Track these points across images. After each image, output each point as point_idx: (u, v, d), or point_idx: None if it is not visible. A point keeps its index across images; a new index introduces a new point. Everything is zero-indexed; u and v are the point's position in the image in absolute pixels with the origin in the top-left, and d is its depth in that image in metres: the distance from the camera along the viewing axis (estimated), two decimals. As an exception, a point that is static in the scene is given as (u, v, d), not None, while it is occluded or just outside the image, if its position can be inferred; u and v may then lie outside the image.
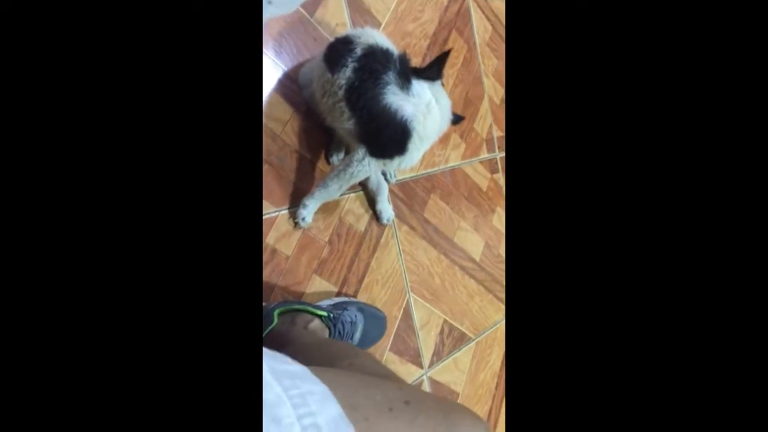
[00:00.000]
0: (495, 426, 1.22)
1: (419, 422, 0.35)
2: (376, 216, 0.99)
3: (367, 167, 0.79)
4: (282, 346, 0.70)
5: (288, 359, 0.35)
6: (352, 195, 0.97)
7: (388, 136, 0.77)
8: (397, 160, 0.81)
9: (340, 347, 0.74)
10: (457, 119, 0.91)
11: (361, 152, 0.78)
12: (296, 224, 0.84)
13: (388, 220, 0.98)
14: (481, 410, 1.19)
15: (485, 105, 1.34)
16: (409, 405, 0.36)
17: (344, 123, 0.78)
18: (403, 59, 0.79)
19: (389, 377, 0.57)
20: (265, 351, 0.34)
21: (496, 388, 1.24)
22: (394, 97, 0.76)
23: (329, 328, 0.81)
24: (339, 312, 0.84)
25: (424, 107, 0.78)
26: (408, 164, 0.83)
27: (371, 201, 0.98)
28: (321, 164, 0.93)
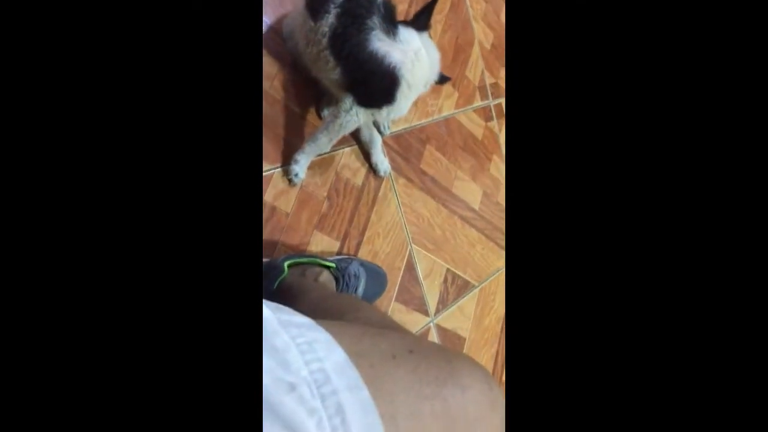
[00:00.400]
0: (503, 367, 1.27)
1: (422, 369, 0.36)
2: (372, 169, 0.99)
3: (356, 117, 0.78)
4: (293, 297, 0.72)
5: (293, 311, 0.36)
6: (347, 149, 0.96)
7: (376, 84, 0.76)
8: (385, 110, 0.80)
9: (347, 300, 0.76)
10: (442, 79, 0.89)
11: (348, 102, 0.77)
12: (290, 181, 0.85)
13: (385, 173, 0.98)
14: (489, 353, 1.23)
15: (476, 51, 1.30)
16: (413, 353, 0.37)
17: (330, 73, 0.76)
18: (387, 4, 0.77)
19: (394, 328, 0.58)
20: (272, 304, 0.34)
21: (502, 331, 1.28)
22: (380, 43, 0.74)
23: (337, 279, 0.83)
24: (345, 265, 0.85)
25: (413, 54, 0.77)
26: (397, 114, 0.82)
27: (366, 154, 0.98)
28: (312, 118, 0.92)
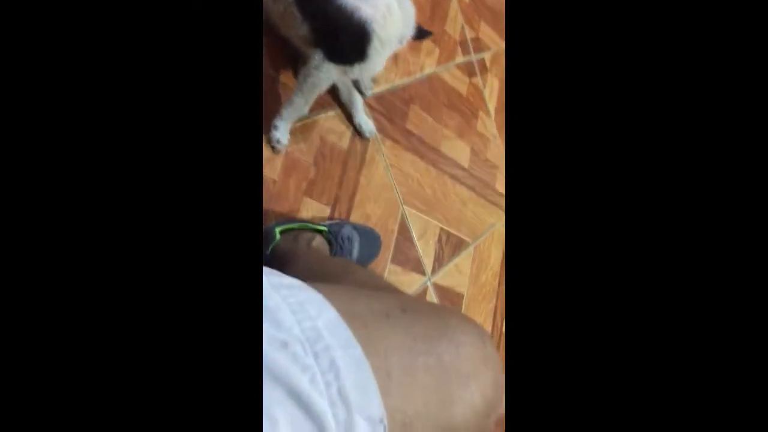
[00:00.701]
0: (502, 321, 1.29)
1: (416, 327, 0.36)
2: (357, 131, 0.97)
3: (327, 74, 0.76)
4: (287, 263, 0.72)
5: (283, 275, 0.35)
6: (330, 113, 0.94)
7: (346, 41, 0.73)
8: (357, 67, 0.77)
9: (341, 264, 0.76)
10: (423, 33, 0.86)
11: (317, 58, 0.75)
12: (273, 148, 0.83)
13: (370, 133, 0.97)
14: (487, 307, 1.25)
15: (454, 5, 1.27)
16: (406, 312, 0.37)
17: (298, 30, 0.74)
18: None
19: (388, 289, 0.58)
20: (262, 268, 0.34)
21: (499, 285, 1.29)
22: None
23: (330, 243, 0.83)
24: (338, 228, 0.85)
25: (384, 8, 0.74)
26: (371, 71, 0.80)
27: (349, 116, 0.96)
28: (290, 82, 0.90)
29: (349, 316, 0.33)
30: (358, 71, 0.78)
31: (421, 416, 0.32)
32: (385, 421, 0.30)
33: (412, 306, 0.38)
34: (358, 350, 0.31)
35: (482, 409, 0.35)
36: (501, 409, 0.38)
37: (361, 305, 0.36)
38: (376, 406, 0.30)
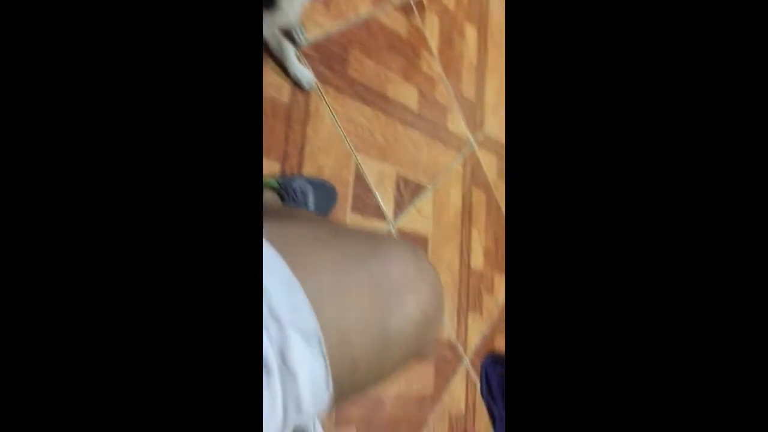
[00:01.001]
0: (469, 254, 1.33)
1: (346, 247, 0.36)
2: (295, 83, 0.94)
3: None
4: None
5: None
6: (264, 67, 0.91)
7: None
8: (269, 16, 0.73)
9: (288, 209, 0.75)
10: None
11: None
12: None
13: (308, 84, 0.94)
14: (454, 245, 1.29)
15: (382, -59, 1.22)
16: (338, 236, 0.37)
17: None
18: None
19: (325, 221, 0.58)
20: None
21: (462, 224, 1.33)
22: None
23: (282, 198, 0.82)
24: (289, 181, 0.84)
25: None
26: (286, 20, 0.76)
27: (284, 69, 0.93)
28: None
29: (278, 243, 0.32)
30: (270, 20, 0.74)
31: (357, 329, 0.33)
32: (320, 335, 0.30)
33: (344, 231, 0.39)
34: (286, 271, 0.31)
35: (421, 320, 0.36)
36: (442, 319, 0.39)
37: (291, 232, 0.36)
38: (309, 320, 0.30)
